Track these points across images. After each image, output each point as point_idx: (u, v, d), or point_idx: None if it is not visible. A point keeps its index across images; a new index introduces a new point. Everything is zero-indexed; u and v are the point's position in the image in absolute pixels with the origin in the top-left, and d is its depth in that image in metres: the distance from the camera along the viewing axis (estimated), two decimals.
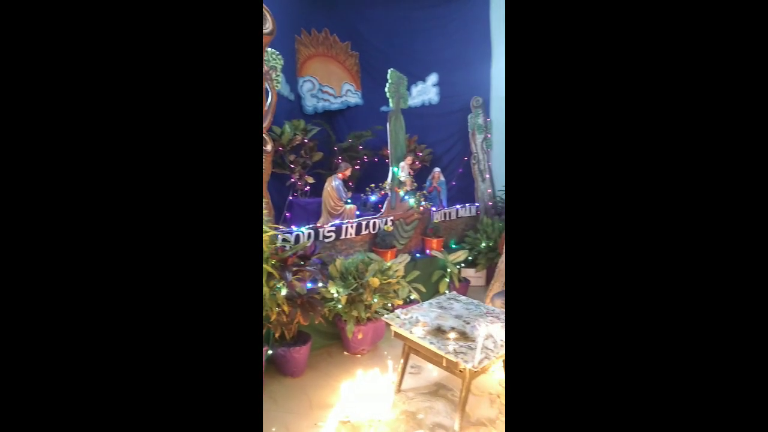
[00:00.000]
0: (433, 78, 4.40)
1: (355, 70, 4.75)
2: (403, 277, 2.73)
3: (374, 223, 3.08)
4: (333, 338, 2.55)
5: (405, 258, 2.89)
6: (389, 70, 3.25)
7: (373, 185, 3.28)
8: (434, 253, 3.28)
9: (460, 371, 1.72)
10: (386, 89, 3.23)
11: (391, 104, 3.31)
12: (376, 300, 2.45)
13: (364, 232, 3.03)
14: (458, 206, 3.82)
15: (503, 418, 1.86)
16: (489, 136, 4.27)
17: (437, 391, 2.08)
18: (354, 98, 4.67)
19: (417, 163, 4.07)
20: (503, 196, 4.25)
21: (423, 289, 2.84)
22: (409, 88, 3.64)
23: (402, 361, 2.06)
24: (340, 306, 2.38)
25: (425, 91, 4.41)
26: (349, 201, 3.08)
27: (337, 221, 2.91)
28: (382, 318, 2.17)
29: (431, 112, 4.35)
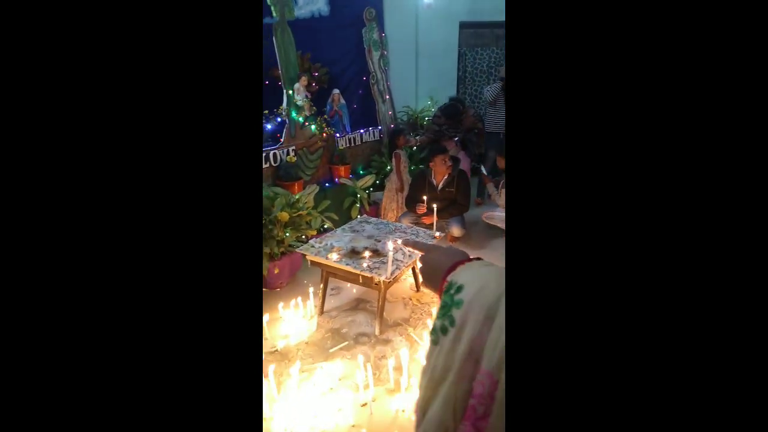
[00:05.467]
0: None
1: None
2: (314, 207, 2.70)
3: (274, 154, 2.86)
4: None
5: (314, 188, 2.82)
6: None
7: (266, 111, 2.96)
8: (343, 180, 3.27)
9: (376, 284, 1.87)
10: None
11: (274, 14, 2.86)
12: (288, 234, 2.40)
13: (264, 166, 2.81)
14: (362, 130, 3.76)
15: (415, 316, 2.14)
16: (386, 53, 4.11)
17: (357, 305, 2.26)
18: None
19: (314, 84, 3.76)
20: (404, 117, 4.30)
21: (336, 217, 2.87)
22: None
23: (322, 285, 2.14)
24: None
25: (313, 0, 3.89)
26: None
27: None
28: (297, 250, 2.16)
29: (323, 26, 3.91)
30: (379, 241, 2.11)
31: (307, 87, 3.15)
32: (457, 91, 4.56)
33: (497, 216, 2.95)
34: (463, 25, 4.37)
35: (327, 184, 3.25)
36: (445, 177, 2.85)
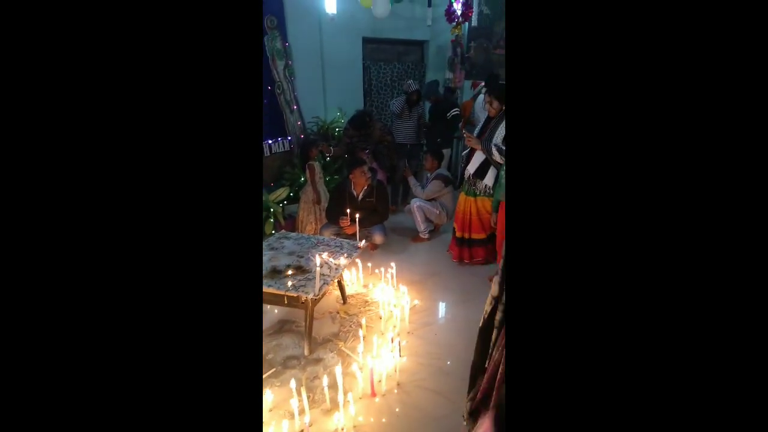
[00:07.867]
0: None
1: None
2: None
3: None
4: None
5: None
6: None
7: None
8: None
9: (302, 303, 1.79)
10: None
11: None
12: None
13: None
14: (270, 141, 3.58)
15: (344, 329, 2.11)
16: (291, 63, 4.01)
17: (282, 327, 2.12)
18: None
19: None
20: (314, 128, 4.25)
21: None
22: None
23: None
24: None
25: None
26: None
27: None
28: None
29: None
30: (302, 257, 2.03)
31: None
32: (364, 104, 4.70)
33: (423, 205, 3.12)
34: (366, 41, 4.53)
35: None
36: (365, 188, 2.91)
